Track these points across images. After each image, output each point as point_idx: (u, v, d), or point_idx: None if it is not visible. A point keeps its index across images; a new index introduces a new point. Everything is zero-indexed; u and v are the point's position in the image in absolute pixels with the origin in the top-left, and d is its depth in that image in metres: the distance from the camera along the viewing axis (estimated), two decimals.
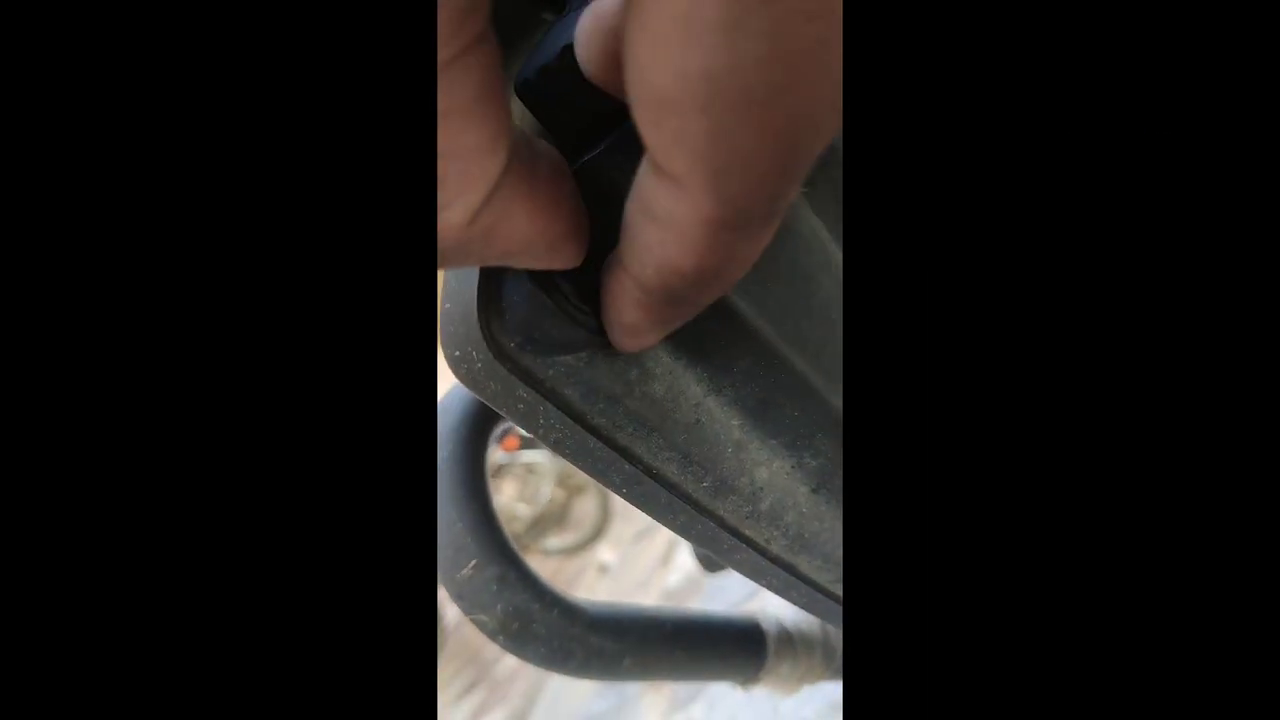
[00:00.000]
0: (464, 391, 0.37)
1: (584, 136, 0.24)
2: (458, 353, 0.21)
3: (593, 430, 0.23)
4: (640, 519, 3.20)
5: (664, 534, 2.85)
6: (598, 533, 3.24)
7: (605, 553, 3.04)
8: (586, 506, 3.37)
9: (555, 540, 3.40)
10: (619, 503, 3.36)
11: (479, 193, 0.14)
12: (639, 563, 2.78)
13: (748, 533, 0.26)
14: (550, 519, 3.41)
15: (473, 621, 0.34)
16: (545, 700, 2.35)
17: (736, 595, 1.68)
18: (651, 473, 0.24)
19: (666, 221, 0.14)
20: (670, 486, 0.24)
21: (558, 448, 0.23)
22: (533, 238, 0.16)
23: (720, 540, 0.26)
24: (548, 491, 3.35)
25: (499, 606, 0.33)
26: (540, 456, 3.28)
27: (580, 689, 2.22)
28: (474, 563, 0.33)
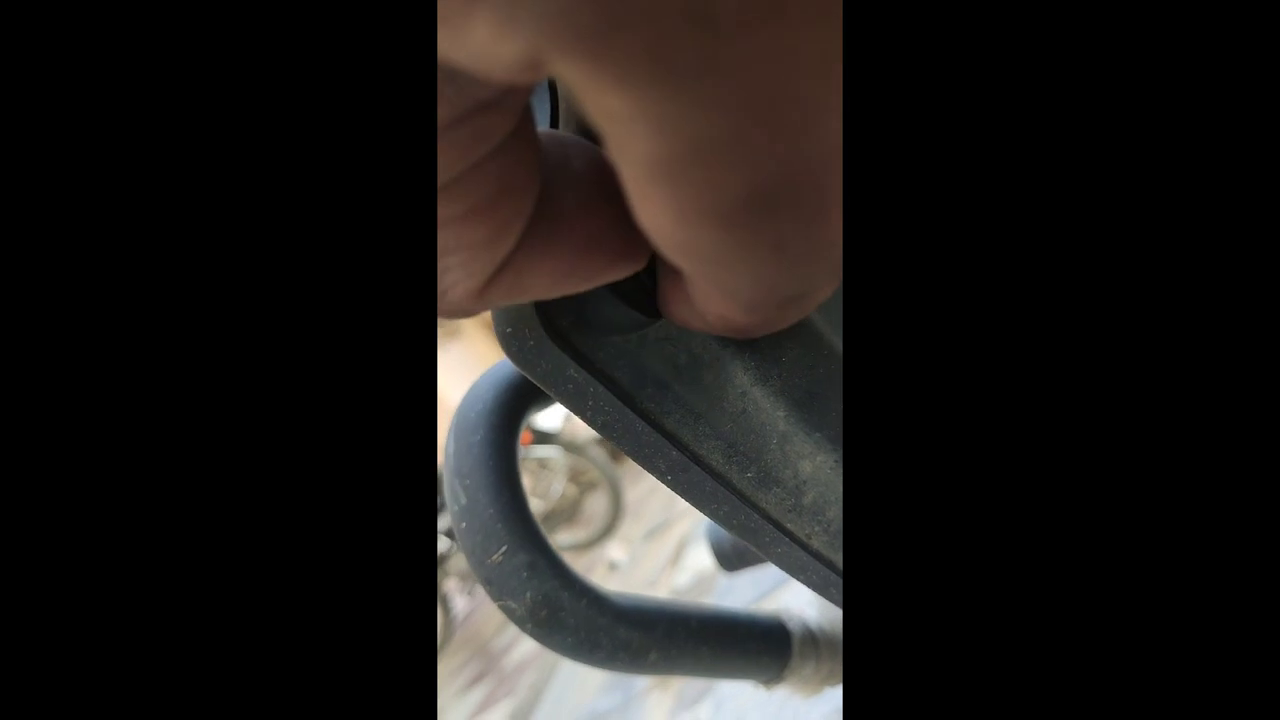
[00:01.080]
0: (497, 378, 0.37)
1: None
2: (509, 329, 0.21)
3: (641, 414, 0.22)
4: (651, 519, 3.20)
5: (674, 534, 2.85)
6: (608, 530, 3.24)
7: (615, 550, 3.04)
8: (598, 504, 3.37)
9: (566, 536, 3.40)
10: (630, 501, 3.37)
11: (485, 273, 0.14)
12: (649, 561, 2.78)
13: (789, 526, 0.26)
14: (561, 515, 3.42)
15: (501, 609, 0.34)
16: (552, 694, 2.35)
17: (747, 596, 1.68)
18: (697, 460, 0.23)
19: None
20: (715, 475, 0.24)
21: (605, 430, 0.22)
22: (565, 277, 0.15)
23: (762, 532, 0.25)
24: (560, 487, 3.36)
25: (528, 594, 0.33)
26: (553, 452, 3.28)
27: (587, 684, 2.22)
28: (504, 549, 0.33)
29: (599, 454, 3.32)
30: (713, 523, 0.57)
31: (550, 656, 2.56)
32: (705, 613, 0.38)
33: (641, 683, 2.02)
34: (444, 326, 5.80)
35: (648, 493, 3.55)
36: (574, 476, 3.42)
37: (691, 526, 2.77)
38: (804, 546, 0.26)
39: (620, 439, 0.23)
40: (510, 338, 0.21)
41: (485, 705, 2.56)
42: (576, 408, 0.22)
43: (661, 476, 0.23)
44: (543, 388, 0.22)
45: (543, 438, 3.28)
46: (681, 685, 1.85)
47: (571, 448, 3.28)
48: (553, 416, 3.51)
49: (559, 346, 0.21)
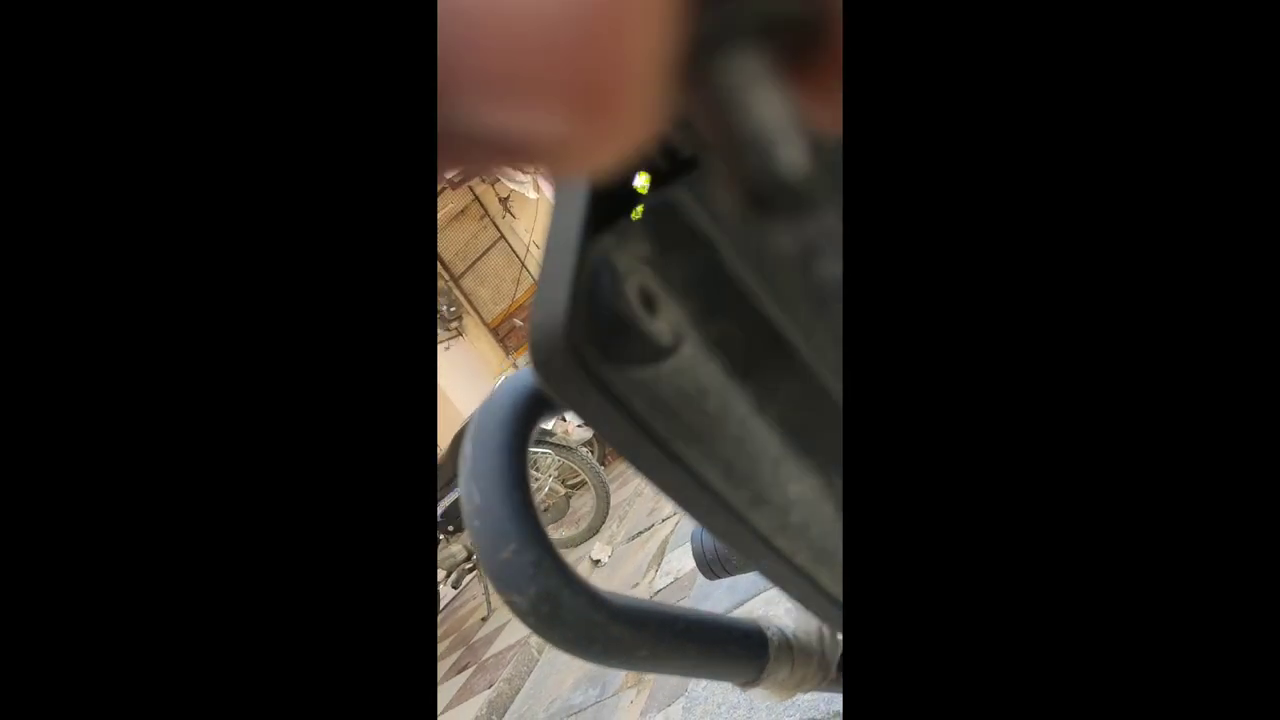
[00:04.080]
0: (513, 389, 0.40)
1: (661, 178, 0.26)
2: (544, 358, 0.24)
3: (651, 436, 0.25)
4: (635, 523, 3.23)
5: (656, 538, 2.87)
6: (594, 531, 3.27)
7: (599, 550, 3.07)
8: (585, 505, 3.40)
9: (553, 533, 3.41)
10: (615, 504, 3.38)
11: None
12: (630, 562, 2.81)
13: (777, 543, 0.29)
14: (549, 513, 3.45)
15: (506, 602, 0.37)
16: (529, 686, 2.37)
17: (724, 604, 1.70)
18: (698, 480, 0.26)
19: None
20: (713, 494, 0.27)
21: (620, 448, 0.25)
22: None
23: (753, 547, 0.28)
24: (548, 485, 3.39)
25: (532, 589, 0.36)
26: (544, 453, 3.31)
27: (563, 679, 2.25)
28: (513, 546, 0.36)
29: (588, 456, 3.35)
30: (696, 532, 0.60)
31: (529, 650, 2.58)
32: (692, 616, 0.41)
33: (616, 681, 2.04)
34: (446, 329, 5.82)
35: (633, 496, 3.58)
36: (563, 477, 3.45)
37: (672, 532, 2.79)
38: (788, 562, 0.29)
39: (632, 456, 0.25)
40: (544, 365, 0.24)
41: (466, 692, 2.58)
42: (595, 426, 0.25)
43: (665, 491, 0.26)
44: (569, 408, 0.25)
45: (536, 438, 3.29)
46: (655, 685, 1.87)
47: (562, 450, 3.31)
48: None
49: (585, 374, 0.23)
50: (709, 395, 0.26)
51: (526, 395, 0.39)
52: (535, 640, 2.61)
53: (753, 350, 0.26)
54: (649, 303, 0.25)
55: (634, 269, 0.25)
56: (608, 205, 0.25)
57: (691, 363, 0.26)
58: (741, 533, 0.28)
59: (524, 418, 0.39)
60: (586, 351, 0.24)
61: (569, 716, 2.00)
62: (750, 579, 0.33)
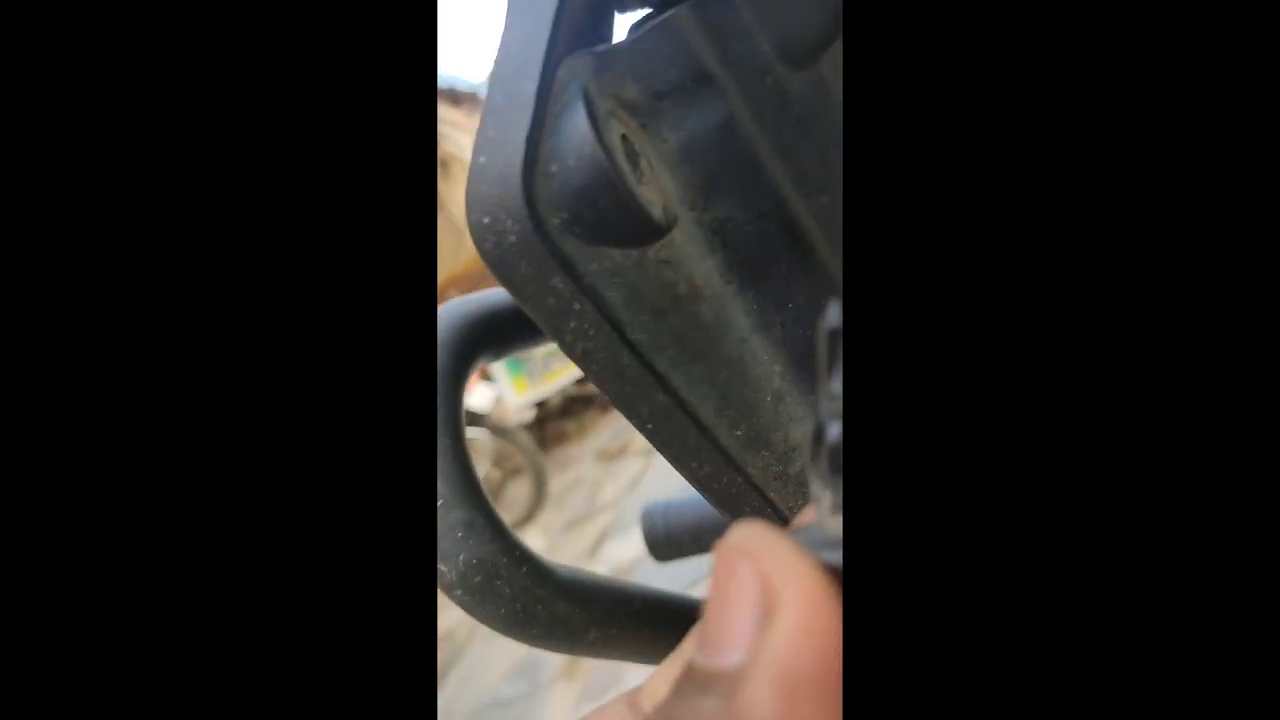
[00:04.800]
0: (447, 316, 0.33)
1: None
2: (487, 219, 0.17)
3: (630, 344, 0.19)
4: (572, 510, 3.16)
5: (594, 526, 2.81)
6: (529, 517, 3.18)
7: (534, 538, 2.99)
8: (520, 490, 3.31)
9: None
10: (553, 492, 3.31)
11: None
12: (567, 551, 2.75)
13: (773, 496, 0.23)
14: None
15: None
16: (455, 678, 2.29)
17: None
18: (685, 408, 0.20)
19: None
20: (701, 428, 0.21)
21: (585, 360, 0.19)
22: None
23: (744, 499, 0.22)
24: (483, 469, 3.28)
25: (461, 556, 0.29)
26: (479, 434, 3.21)
27: (492, 671, 2.17)
28: (439, 503, 0.29)
29: (526, 440, 3.26)
30: (650, 508, 0.54)
31: (455, 639, 2.49)
32: (649, 595, 0.35)
33: (548, 671, 1.98)
34: None
35: (571, 484, 3.51)
36: (499, 460, 3.35)
37: (611, 521, 2.74)
38: (785, 521, 0.23)
39: (601, 373, 0.19)
40: (486, 229, 0.17)
41: None
42: (554, 328, 0.19)
43: (642, 423, 0.20)
44: (517, 298, 0.18)
45: (471, 419, 3.20)
46: (589, 675, 1.82)
47: (499, 432, 3.21)
48: (482, 397, 3.43)
49: (544, 248, 0.17)
50: (703, 300, 0.20)
51: (464, 324, 0.32)
52: (462, 627, 2.52)
53: (763, 248, 0.21)
54: (634, 161, 0.18)
55: (614, 111, 0.18)
56: (586, 18, 0.18)
57: (684, 254, 0.20)
58: (732, 481, 0.22)
59: (459, 350, 0.32)
60: (550, 216, 0.17)
61: (496, 710, 1.93)
62: (699, 565, 0.27)
